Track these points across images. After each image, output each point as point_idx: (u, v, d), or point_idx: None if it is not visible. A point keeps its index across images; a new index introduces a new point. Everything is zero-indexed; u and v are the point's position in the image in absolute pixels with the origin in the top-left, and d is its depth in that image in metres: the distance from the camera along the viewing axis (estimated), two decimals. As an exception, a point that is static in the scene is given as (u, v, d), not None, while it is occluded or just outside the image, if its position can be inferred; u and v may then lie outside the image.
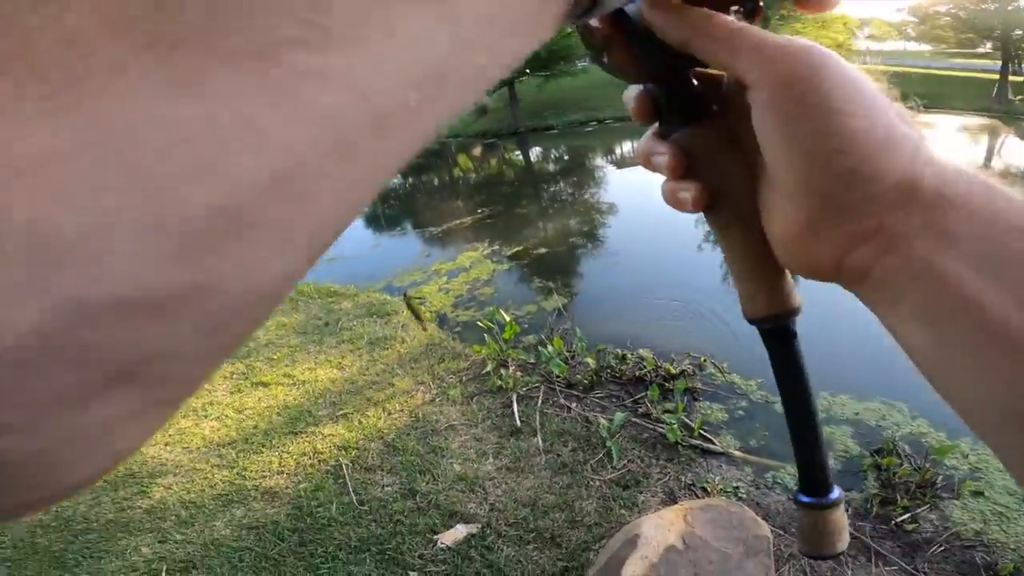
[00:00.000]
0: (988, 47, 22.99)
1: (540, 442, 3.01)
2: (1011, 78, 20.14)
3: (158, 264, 0.10)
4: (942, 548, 2.36)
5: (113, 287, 0.09)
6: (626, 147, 15.37)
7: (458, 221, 8.29)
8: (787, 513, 2.57)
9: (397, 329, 4.61)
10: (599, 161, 13.54)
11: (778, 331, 0.30)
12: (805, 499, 0.32)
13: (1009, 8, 20.58)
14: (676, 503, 2.25)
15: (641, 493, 2.63)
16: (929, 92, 19.65)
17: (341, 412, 3.55)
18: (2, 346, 0.09)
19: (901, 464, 2.73)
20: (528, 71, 20.06)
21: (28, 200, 0.08)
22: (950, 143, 14.47)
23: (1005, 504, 2.56)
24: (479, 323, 4.21)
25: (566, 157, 15.10)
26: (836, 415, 3.28)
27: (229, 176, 0.10)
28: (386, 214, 10.98)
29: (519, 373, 3.71)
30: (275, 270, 0.12)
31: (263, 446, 3.34)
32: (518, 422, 3.20)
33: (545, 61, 19.12)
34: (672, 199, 0.31)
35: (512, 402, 3.39)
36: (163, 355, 0.11)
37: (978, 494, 2.61)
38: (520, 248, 6.63)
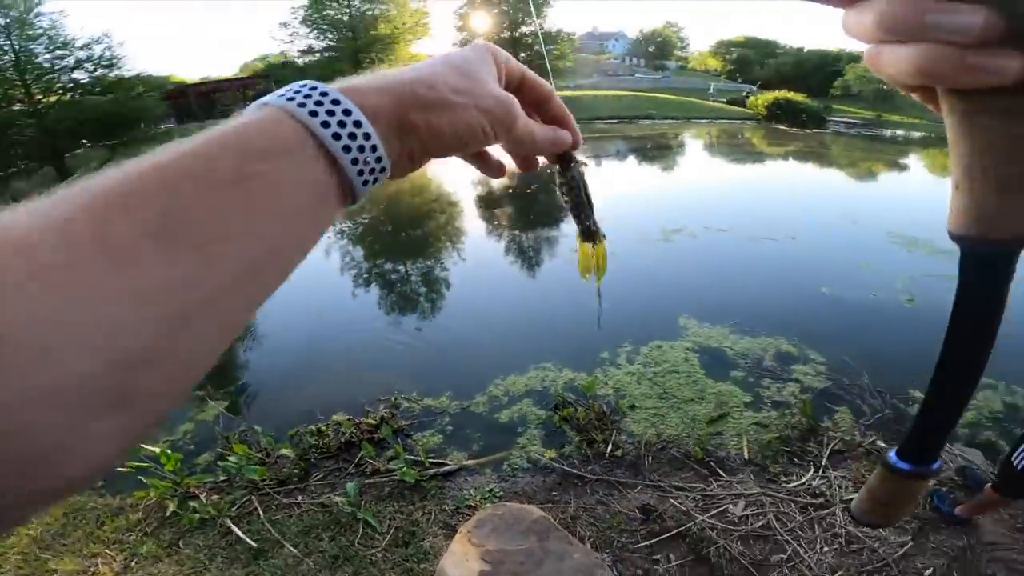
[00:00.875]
0: None
1: (293, 550, 2.54)
2: None
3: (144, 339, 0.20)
4: (650, 457, 3.03)
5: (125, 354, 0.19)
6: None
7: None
8: (544, 488, 2.88)
9: None
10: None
11: (1011, 257, 0.24)
12: (906, 466, 0.28)
13: (516, 35, 26.46)
14: (455, 532, 2.23)
15: (423, 541, 2.52)
16: None
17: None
18: (63, 381, 0.18)
19: (576, 410, 3.43)
20: (86, 141, 16.00)
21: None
22: (500, 151, 19.07)
23: (653, 407, 3.52)
24: (123, 468, 3.14)
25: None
26: (515, 393, 3.86)
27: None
28: None
29: (216, 496, 2.96)
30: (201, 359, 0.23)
31: None
32: (252, 543, 2.61)
33: (109, 128, 15.57)
34: (985, 66, 0.22)
35: (229, 527, 2.72)
36: (142, 393, 0.20)
37: (633, 407, 3.52)
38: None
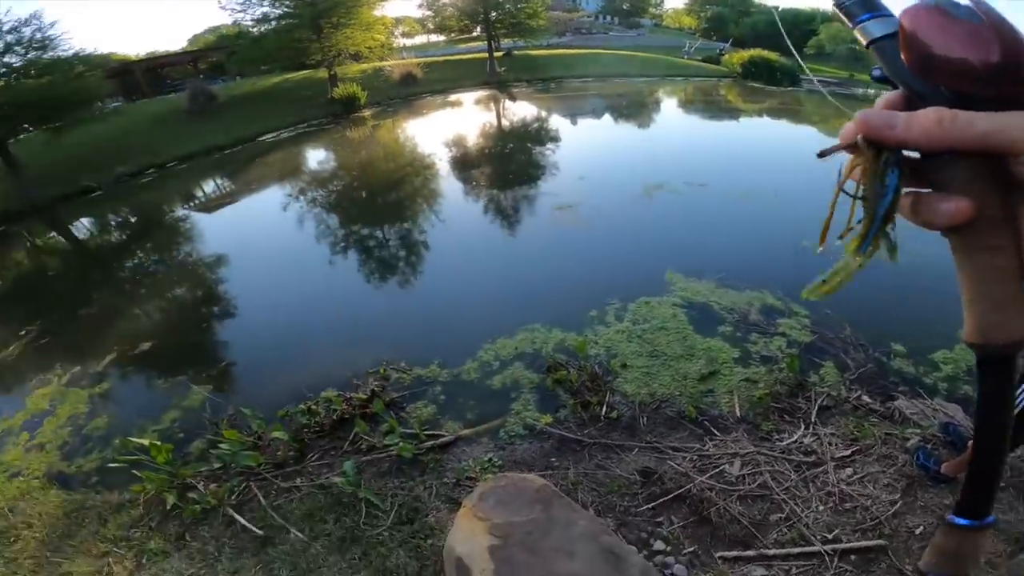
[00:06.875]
0: (478, 31, 28.55)
1: (299, 535, 2.50)
2: (495, 54, 26.73)
3: None
4: (645, 418, 3.02)
5: None
6: (208, 187, 13.58)
7: (-6, 353, 5.66)
8: (542, 455, 2.85)
9: (6, 518, 3.03)
10: (180, 212, 11.51)
11: (1009, 359, 0.32)
12: (966, 522, 0.34)
13: None
14: (459, 505, 2.22)
15: (427, 516, 2.51)
16: (450, 76, 24.60)
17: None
18: None
19: (569, 371, 3.41)
20: (28, 126, 14.98)
21: None
22: (474, 112, 18.78)
23: (644, 365, 3.51)
24: (114, 463, 3.06)
25: (132, 219, 12.23)
26: (505, 358, 3.82)
27: None
28: None
29: (214, 485, 2.91)
30: None
31: None
32: (258, 531, 2.56)
33: (50, 111, 14.59)
34: (929, 212, 0.33)
35: (232, 515, 2.67)
36: None
37: (624, 366, 3.51)
38: (115, 354, 5.03)
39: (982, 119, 0.30)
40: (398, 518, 2.53)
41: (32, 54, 15.21)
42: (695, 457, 2.71)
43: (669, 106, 17.43)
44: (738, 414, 3.02)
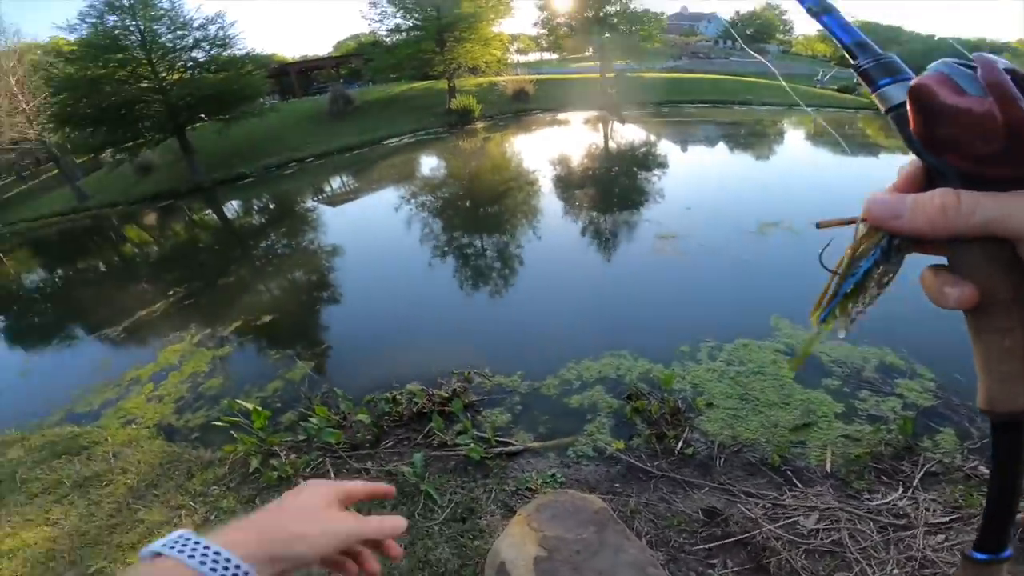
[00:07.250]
0: (590, 51, 28.89)
1: None
2: (606, 75, 26.67)
3: None
4: (722, 459, 2.87)
5: None
6: (335, 183, 14.95)
7: (145, 311, 6.64)
8: (607, 479, 2.80)
9: (108, 462, 3.50)
10: (310, 203, 12.79)
11: (1017, 424, 0.34)
12: (983, 557, 0.36)
13: (601, 14, 26.20)
14: (513, 513, 2.22)
15: (481, 518, 2.55)
16: (560, 94, 25.01)
17: (93, 569, 2.63)
18: None
19: (650, 402, 3.29)
20: (203, 116, 17.54)
21: None
22: (582, 132, 18.87)
23: (731, 408, 3.31)
24: (218, 422, 3.44)
25: (271, 206, 13.79)
26: (587, 379, 3.78)
27: None
28: (33, 324, 8.07)
29: (294, 456, 3.18)
30: None
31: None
32: None
33: (223, 104, 16.97)
34: (938, 293, 0.33)
35: None
36: None
37: (710, 405, 3.33)
38: (240, 322, 5.69)
39: (987, 204, 0.30)
40: (452, 515, 2.59)
41: (214, 51, 17.56)
42: (768, 505, 2.50)
43: (794, 138, 16.25)
44: (828, 469, 2.75)
